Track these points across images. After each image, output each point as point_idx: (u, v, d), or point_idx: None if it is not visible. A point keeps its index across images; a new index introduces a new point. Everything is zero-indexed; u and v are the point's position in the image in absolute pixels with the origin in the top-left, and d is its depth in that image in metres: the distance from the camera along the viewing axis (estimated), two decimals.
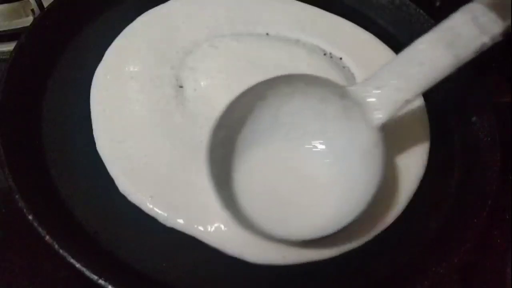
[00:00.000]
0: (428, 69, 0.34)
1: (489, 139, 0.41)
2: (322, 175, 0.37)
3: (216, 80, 0.44)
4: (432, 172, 0.41)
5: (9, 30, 0.49)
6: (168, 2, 0.49)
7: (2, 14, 0.50)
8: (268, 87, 0.36)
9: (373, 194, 0.33)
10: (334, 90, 0.36)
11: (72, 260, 0.31)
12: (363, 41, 0.50)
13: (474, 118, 0.43)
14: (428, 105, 0.45)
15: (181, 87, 0.43)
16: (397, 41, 0.50)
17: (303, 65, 0.46)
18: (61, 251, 0.31)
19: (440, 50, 0.34)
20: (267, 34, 0.48)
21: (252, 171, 0.36)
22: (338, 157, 0.37)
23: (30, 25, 0.44)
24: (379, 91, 0.35)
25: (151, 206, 0.36)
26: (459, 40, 0.34)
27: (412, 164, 0.41)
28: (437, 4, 0.56)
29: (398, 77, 0.35)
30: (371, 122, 0.35)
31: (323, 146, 0.38)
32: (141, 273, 0.34)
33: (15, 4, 0.50)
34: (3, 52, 0.49)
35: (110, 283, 0.31)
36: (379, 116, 0.35)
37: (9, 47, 0.48)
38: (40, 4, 0.49)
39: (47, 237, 0.32)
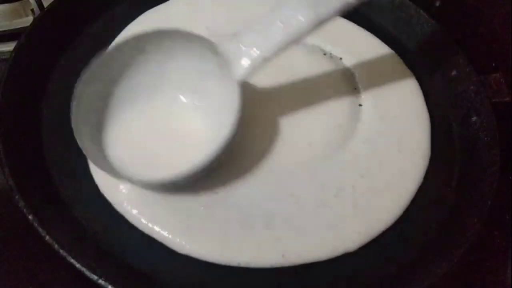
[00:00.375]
0: (288, 28, 0.34)
1: (489, 139, 0.41)
2: (197, 131, 0.38)
3: None
4: (432, 172, 0.41)
5: (9, 30, 0.49)
6: (169, 1, 0.49)
7: (2, 14, 0.50)
8: (147, 41, 0.36)
9: (220, 146, 0.34)
10: (209, 46, 0.36)
11: (72, 260, 0.31)
12: (363, 41, 0.50)
13: (474, 118, 0.43)
14: (428, 105, 0.45)
15: None
16: (397, 41, 0.50)
17: (304, 65, 0.46)
18: (61, 251, 0.32)
19: (302, 9, 0.34)
20: None
21: (128, 126, 0.37)
22: (212, 113, 0.38)
23: (30, 25, 0.44)
24: (243, 48, 0.35)
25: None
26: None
27: (413, 164, 0.41)
28: (437, 4, 0.56)
29: (259, 35, 0.35)
30: (234, 77, 0.35)
31: (199, 103, 0.38)
32: (141, 273, 0.34)
33: (15, 4, 0.50)
34: (3, 52, 0.49)
35: (110, 283, 0.31)
36: (240, 72, 0.35)
37: (9, 47, 0.48)
38: (40, 4, 0.49)
39: (47, 237, 0.32)
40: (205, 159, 0.33)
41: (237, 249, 0.35)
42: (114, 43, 0.37)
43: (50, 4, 0.45)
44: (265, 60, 0.35)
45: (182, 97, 0.39)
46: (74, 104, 0.34)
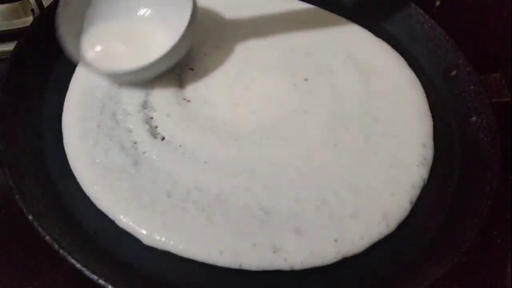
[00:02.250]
0: None
1: (489, 139, 0.41)
2: (155, 38, 0.43)
3: (215, 80, 0.44)
4: (433, 172, 0.41)
5: (9, 30, 0.49)
6: None
7: (2, 14, 0.50)
8: None
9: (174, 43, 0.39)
10: None
11: (72, 260, 0.31)
12: (363, 40, 0.50)
13: (474, 118, 0.43)
14: (428, 105, 0.45)
15: (181, 87, 0.43)
16: (397, 41, 0.50)
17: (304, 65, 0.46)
18: (61, 251, 0.31)
19: None
20: (267, 33, 0.48)
21: (100, 33, 0.43)
22: (168, 22, 0.42)
23: (30, 25, 0.44)
24: None
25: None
26: None
27: (414, 164, 0.41)
28: (437, 4, 0.56)
29: None
30: None
31: (154, 15, 0.44)
32: (141, 273, 0.34)
33: (15, 4, 0.50)
34: (3, 52, 0.49)
35: (110, 283, 0.31)
36: None
37: (9, 47, 0.48)
38: (40, 4, 0.49)
39: (47, 237, 0.32)
40: (157, 55, 0.39)
41: (237, 250, 0.35)
42: None
43: (50, 4, 0.45)
44: None
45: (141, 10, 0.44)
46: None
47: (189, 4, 0.41)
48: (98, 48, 0.42)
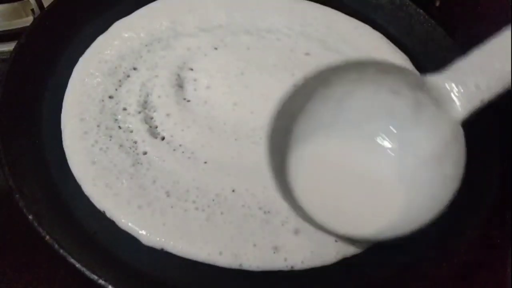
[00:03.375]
0: None
1: (489, 139, 0.41)
2: (385, 174, 0.35)
3: (215, 80, 0.44)
4: None
5: (9, 30, 0.49)
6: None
7: (2, 14, 0.50)
8: (333, 72, 0.34)
9: (449, 198, 0.30)
10: (408, 79, 0.33)
11: (72, 260, 0.31)
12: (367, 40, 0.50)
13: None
14: None
15: (181, 87, 0.43)
16: (397, 41, 0.50)
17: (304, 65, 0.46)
18: (61, 251, 0.32)
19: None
20: (267, 33, 0.48)
21: (309, 164, 0.34)
22: (405, 155, 0.34)
23: (30, 25, 0.44)
24: (460, 86, 0.32)
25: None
26: None
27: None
28: (437, 4, 0.56)
29: (480, 72, 0.32)
30: (450, 117, 0.32)
31: (388, 144, 0.35)
32: (141, 273, 0.34)
33: (15, 4, 0.50)
34: (3, 52, 0.49)
35: (110, 283, 0.31)
36: (459, 111, 0.32)
37: (9, 47, 0.48)
38: (40, 4, 0.49)
39: (47, 237, 0.32)
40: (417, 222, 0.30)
41: (237, 250, 0.35)
42: (302, 77, 0.34)
43: (50, 4, 0.45)
44: (485, 101, 0.32)
45: (364, 137, 0.35)
46: (269, 137, 0.32)
47: (452, 131, 0.32)
48: (309, 192, 0.33)
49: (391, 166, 0.35)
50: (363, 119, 0.36)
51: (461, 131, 0.33)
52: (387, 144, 0.35)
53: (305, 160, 0.35)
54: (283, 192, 0.32)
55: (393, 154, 0.35)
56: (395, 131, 0.35)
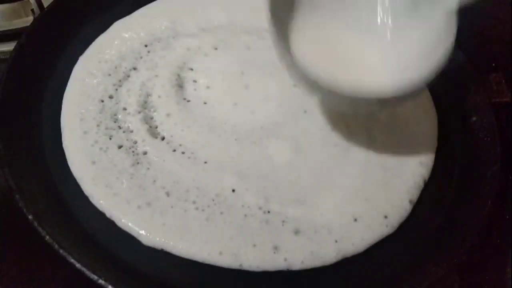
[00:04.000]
0: None
1: (489, 139, 0.41)
2: (379, 48, 0.36)
3: (215, 80, 0.44)
4: (433, 172, 0.41)
5: (9, 30, 0.49)
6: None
7: (2, 14, 0.50)
8: None
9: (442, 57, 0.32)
10: None
11: (72, 260, 0.31)
12: None
13: (474, 118, 0.43)
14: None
15: (181, 87, 0.43)
16: None
17: None
18: (61, 251, 0.32)
19: None
20: (267, 33, 0.48)
21: (308, 33, 0.36)
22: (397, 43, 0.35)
23: (30, 25, 0.44)
24: None
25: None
26: None
27: (415, 163, 0.41)
28: None
29: None
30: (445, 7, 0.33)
31: (383, 29, 0.36)
32: (141, 273, 0.34)
33: (15, 4, 0.50)
34: (3, 52, 0.49)
35: (110, 283, 0.31)
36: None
37: (9, 47, 0.48)
38: (40, 4, 0.49)
39: (47, 237, 0.32)
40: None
41: (237, 250, 0.35)
42: None
43: (50, 4, 0.45)
44: None
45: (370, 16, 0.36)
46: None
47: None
48: (309, 51, 0.34)
49: (384, 45, 0.36)
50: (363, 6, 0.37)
51: (454, 21, 0.34)
52: (383, 29, 0.37)
53: (305, 31, 0.36)
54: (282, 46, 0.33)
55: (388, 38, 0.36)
56: (391, 22, 0.36)
